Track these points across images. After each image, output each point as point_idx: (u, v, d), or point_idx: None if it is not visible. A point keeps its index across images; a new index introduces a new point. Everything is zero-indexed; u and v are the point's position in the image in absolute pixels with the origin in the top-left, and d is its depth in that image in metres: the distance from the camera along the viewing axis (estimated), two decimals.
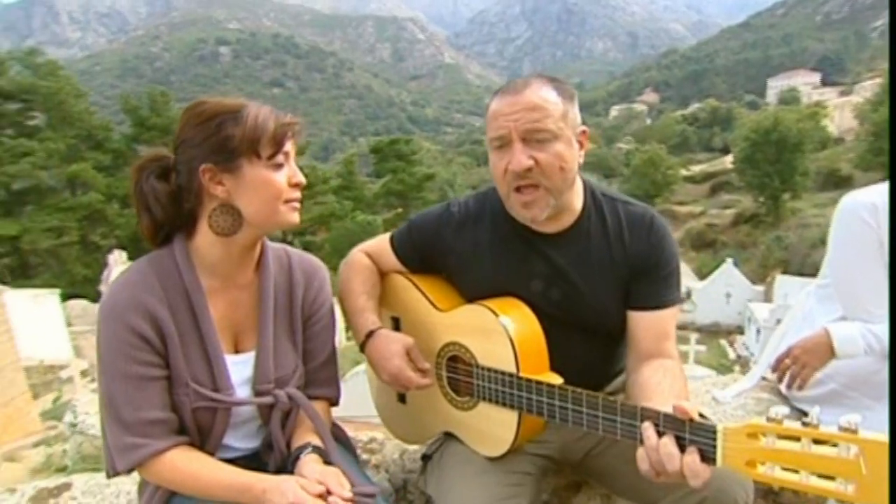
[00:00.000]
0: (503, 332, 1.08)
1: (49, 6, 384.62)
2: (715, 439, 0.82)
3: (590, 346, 1.22)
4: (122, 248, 22.26)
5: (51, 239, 26.37)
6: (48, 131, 27.41)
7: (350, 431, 1.60)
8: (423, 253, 1.30)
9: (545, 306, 1.17)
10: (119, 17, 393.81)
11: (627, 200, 1.23)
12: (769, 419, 0.78)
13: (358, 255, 1.38)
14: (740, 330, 24.45)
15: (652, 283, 1.17)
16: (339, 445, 1.24)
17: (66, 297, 17.28)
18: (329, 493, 0.96)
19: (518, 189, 1.10)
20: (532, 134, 1.06)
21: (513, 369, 1.08)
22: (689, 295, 25.89)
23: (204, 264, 1.06)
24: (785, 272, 24.68)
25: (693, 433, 0.85)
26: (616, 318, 1.19)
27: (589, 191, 1.22)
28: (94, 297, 17.12)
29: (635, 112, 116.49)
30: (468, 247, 1.24)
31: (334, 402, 1.23)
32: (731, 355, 21.87)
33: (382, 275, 1.37)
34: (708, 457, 0.83)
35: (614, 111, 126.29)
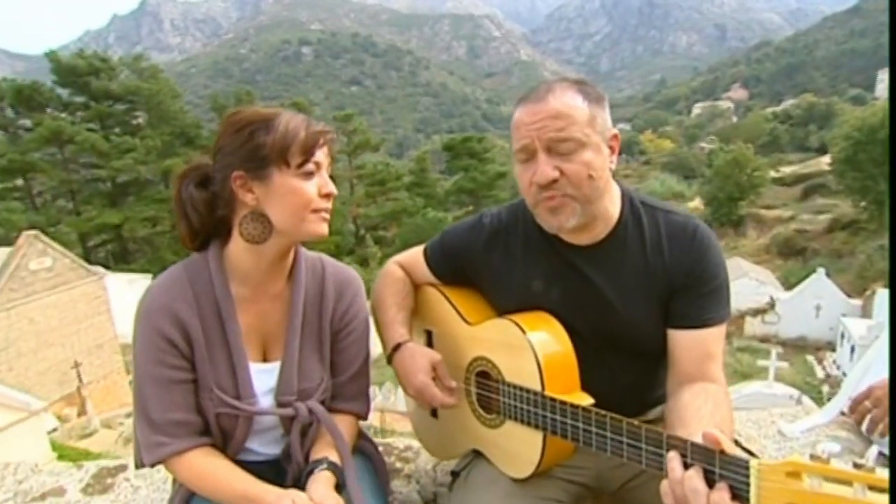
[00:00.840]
0: (529, 349, 1.04)
1: (155, 15, 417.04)
2: (748, 476, 0.73)
3: (626, 368, 1.14)
4: None
5: (147, 228, 28.64)
6: (148, 129, 29.74)
7: (388, 438, 1.60)
8: (455, 265, 1.28)
9: (577, 323, 1.11)
10: (213, 23, 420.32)
11: (669, 209, 1.15)
12: (812, 457, 0.69)
13: (392, 266, 1.37)
14: (830, 346, 22.39)
15: (694, 300, 1.08)
16: (365, 460, 1.25)
17: None
18: None
19: (549, 198, 1.05)
20: (556, 143, 1.01)
21: (538, 387, 1.03)
22: (772, 305, 24.16)
23: (236, 272, 1.08)
24: (887, 286, 22.38)
25: (724, 467, 0.77)
26: (655, 338, 1.11)
27: (627, 199, 1.14)
28: None
29: (720, 109, 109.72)
30: (499, 259, 1.20)
31: (362, 416, 1.23)
32: (819, 374, 20.15)
33: (416, 287, 1.35)
34: (740, 495, 0.75)
35: (697, 109, 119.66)
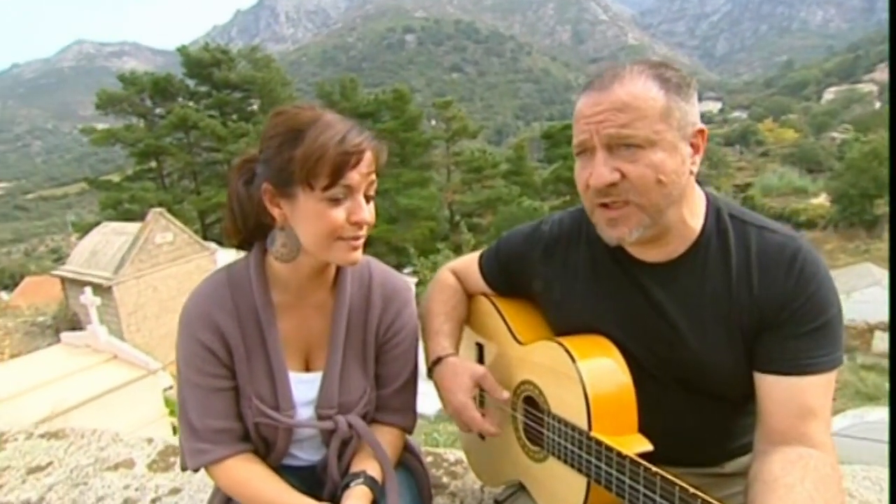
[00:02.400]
0: (577, 379, 0.90)
1: (272, 9, 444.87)
2: None
3: (700, 411, 0.96)
4: None
5: None
6: (260, 115, 31.84)
7: (439, 448, 1.52)
8: (510, 276, 1.15)
9: (641, 354, 0.95)
10: (323, 13, 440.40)
11: (765, 225, 0.93)
12: None
13: (444, 273, 1.27)
14: None
15: (787, 340, 0.87)
16: (408, 475, 1.17)
17: None
18: None
19: (604, 204, 0.89)
20: (618, 140, 0.85)
21: (584, 425, 0.88)
22: None
23: (277, 279, 1.03)
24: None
25: None
26: (738, 380, 0.92)
27: (713, 210, 0.95)
28: None
29: (860, 94, 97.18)
30: (557, 272, 1.06)
31: (407, 429, 1.16)
32: None
33: (470, 297, 1.24)
34: None
35: (829, 94, 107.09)
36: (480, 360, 1.23)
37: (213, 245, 16.81)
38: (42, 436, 1.93)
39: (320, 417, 1.06)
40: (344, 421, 1.05)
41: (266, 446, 1.07)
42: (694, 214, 0.93)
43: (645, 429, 0.90)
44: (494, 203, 35.57)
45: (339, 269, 1.08)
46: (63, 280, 15.50)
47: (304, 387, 1.06)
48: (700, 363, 0.93)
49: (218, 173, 31.38)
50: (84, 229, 22.76)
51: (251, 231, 1.02)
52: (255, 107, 33.10)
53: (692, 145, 0.89)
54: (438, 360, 1.11)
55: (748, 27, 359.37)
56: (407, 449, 1.21)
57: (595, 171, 0.87)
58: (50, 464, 1.74)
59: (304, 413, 1.06)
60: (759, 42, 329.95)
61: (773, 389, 0.87)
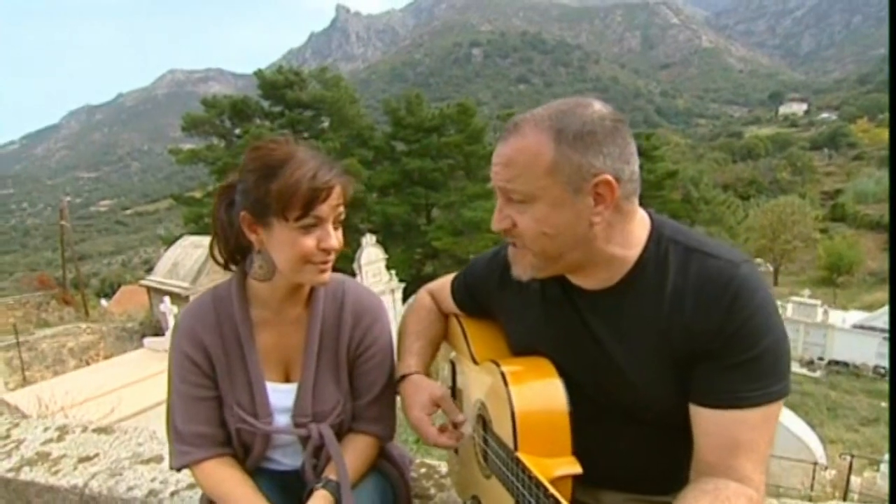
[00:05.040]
0: (507, 400, 0.91)
1: (343, 30, 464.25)
2: None
3: (643, 439, 0.94)
4: (375, 232, 25.80)
5: None
6: (329, 133, 33.17)
7: (437, 461, 1.54)
8: (475, 298, 1.19)
9: (583, 380, 0.95)
10: (392, 32, 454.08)
11: (710, 252, 0.88)
12: None
13: (422, 294, 1.33)
14: None
15: (719, 371, 0.84)
16: (383, 482, 1.22)
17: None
18: None
19: (512, 243, 0.95)
20: (505, 193, 0.90)
21: (511, 445, 0.89)
22: None
23: (256, 297, 1.12)
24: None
25: None
26: (674, 409, 0.89)
27: (655, 236, 0.91)
28: (351, 273, 20.20)
29: None
30: (512, 298, 1.08)
31: (382, 438, 1.21)
32: None
33: (446, 317, 1.29)
34: None
35: None
36: (454, 377, 1.26)
37: None
38: (94, 430, 2.14)
39: (297, 425, 1.13)
40: (315, 429, 1.12)
41: (245, 451, 1.16)
42: (628, 246, 0.91)
43: (589, 454, 0.88)
44: None
45: (312, 288, 1.15)
46: (149, 289, 16.76)
47: (281, 396, 1.14)
48: (636, 392, 0.91)
49: None
50: (169, 242, 24.54)
51: (232, 252, 1.11)
52: (325, 124, 34.53)
53: (598, 195, 0.85)
54: (402, 378, 1.16)
55: (838, 20, 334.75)
56: (386, 457, 1.26)
57: (494, 217, 0.93)
58: (96, 455, 1.92)
59: (282, 420, 1.14)
60: (851, 35, 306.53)
61: (703, 422, 0.85)
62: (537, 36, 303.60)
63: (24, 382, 12.53)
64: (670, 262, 0.89)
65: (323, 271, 1.05)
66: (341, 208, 1.04)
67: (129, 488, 1.67)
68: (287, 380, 1.16)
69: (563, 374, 0.95)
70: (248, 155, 1.04)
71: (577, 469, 0.86)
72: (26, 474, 1.85)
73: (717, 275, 0.85)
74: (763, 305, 0.83)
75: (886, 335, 20.51)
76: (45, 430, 2.19)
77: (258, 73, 33.44)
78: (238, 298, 1.11)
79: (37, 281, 23.92)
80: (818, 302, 24.53)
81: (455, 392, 1.26)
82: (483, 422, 1.05)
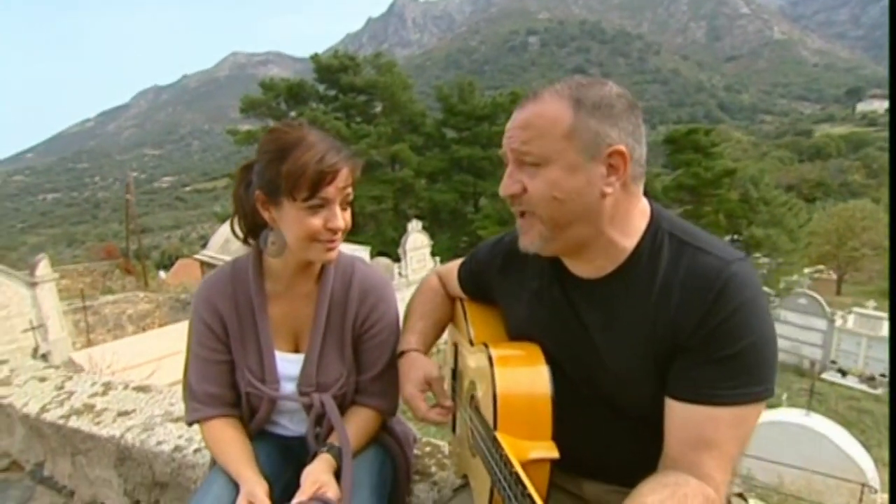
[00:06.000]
0: (490, 380, 0.93)
1: (400, 16, 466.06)
2: None
3: (626, 430, 0.95)
4: (422, 218, 26.02)
5: (373, 205, 32.34)
6: (381, 118, 33.54)
7: (439, 441, 1.58)
8: (478, 283, 1.21)
9: (570, 368, 0.96)
10: (448, 18, 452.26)
11: (703, 248, 0.87)
12: None
13: (431, 276, 1.36)
14: None
15: (694, 366, 0.83)
16: (383, 454, 1.27)
17: (375, 254, 21.13)
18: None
19: (520, 214, 0.94)
20: (520, 156, 0.89)
21: (491, 424, 0.91)
22: None
23: (270, 271, 1.19)
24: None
25: None
26: (653, 402, 0.89)
27: (653, 228, 0.91)
28: (396, 258, 20.47)
29: None
30: (511, 283, 1.10)
31: (384, 412, 1.26)
32: None
33: (452, 299, 1.32)
34: None
35: None
36: (456, 359, 1.29)
37: None
38: (134, 388, 2.29)
39: (301, 394, 1.20)
40: (318, 398, 1.18)
41: (252, 413, 1.23)
42: (627, 234, 0.91)
43: (573, 443, 0.89)
44: None
45: (323, 265, 1.21)
46: (202, 263, 17.53)
47: (289, 365, 1.21)
48: (618, 383, 0.92)
49: None
50: (224, 219, 25.53)
51: (251, 228, 1.18)
52: (377, 109, 34.92)
53: (611, 166, 0.86)
54: (401, 354, 1.20)
55: None
56: (388, 432, 1.32)
57: (503, 182, 0.93)
58: (133, 410, 2.06)
59: (289, 388, 1.21)
60: None
61: (673, 415, 0.84)
62: (596, 25, 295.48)
63: (88, 344, 13.43)
64: (663, 254, 0.89)
65: (330, 249, 1.10)
66: (349, 190, 1.08)
67: (159, 443, 1.80)
68: (296, 350, 1.22)
69: (553, 361, 0.96)
70: (264, 138, 1.09)
71: (553, 454, 0.86)
72: (73, 422, 2.02)
73: (705, 270, 0.84)
74: (748, 304, 0.81)
75: None
76: (93, 384, 2.37)
77: (314, 58, 34.07)
78: (253, 272, 1.18)
79: (104, 251, 25.46)
80: (884, 314, 23.02)
81: (456, 373, 1.29)
82: (474, 402, 1.08)
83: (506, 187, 0.91)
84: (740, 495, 1.03)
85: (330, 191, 1.05)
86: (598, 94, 0.86)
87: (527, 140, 0.87)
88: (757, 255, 28.95)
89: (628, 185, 0.88)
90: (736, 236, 29.69)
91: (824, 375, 21.54)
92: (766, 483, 8.85)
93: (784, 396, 13.78)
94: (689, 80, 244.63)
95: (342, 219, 1.08)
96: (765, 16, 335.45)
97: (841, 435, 9.84)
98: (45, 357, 12.32)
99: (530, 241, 0.93)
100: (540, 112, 0.87)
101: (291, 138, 1.05)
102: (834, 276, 37.05)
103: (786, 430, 9.64)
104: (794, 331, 22.82)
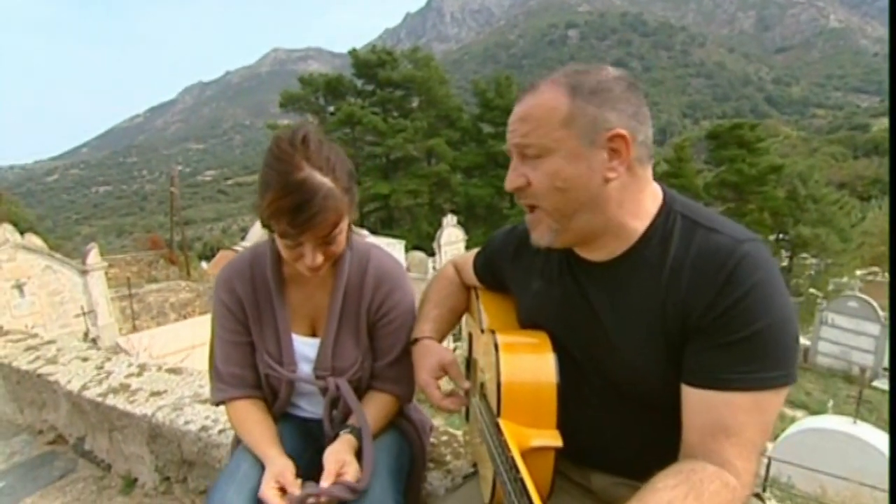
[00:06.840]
0: (495, 367, 0.92)
1: (438, 10, 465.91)
2: None
3: (638, 419, 0.92)
4: (457, 212, 26.03)
5: (409, 199, 32.58)
6: (418, 112, 33.67)
7: (456, 431, 1.58)
8: (493, 272, 1.20)
9: (579, 355, 0.95)
10: (487, 12, 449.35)
11: (715, 227, 0.84)
12: None
13: (447, 266, 1.37)
14: None
15: (708, 350, 0.80)
16: (399, 440, 1.28)
17: (410, 248, 21.27)
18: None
19: (529, 209, 0.93)
20: (521, 149, 0.89)
21: (495, 411, 0.90)
22: None
23: None
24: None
25: None
26: (668, 389, 0.85)
27: (665, 210, 0.89)
28: (431, 252, 20.55)
29: None
30: (523, 270, 1.09)
31: (401, 398, 1.28)
32: None
33: (468, 289, 1.32)
34: None
35: None
36: (470, 348, 1.29)
37: (364, 232, 18.25)
38: (168, 370, 2.38)
39: (318, 377, 1.22)
40: (333, 382, 1.20)
41: (273, 395, 1.26)
42: (638, 216, 0.89)
43: (581, 433, 0.88)
44: None
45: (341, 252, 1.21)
46: None
47: (306, 348, 1.23)
48: (627, 368, 0.89)
49: (377, 166, 33.89)
50: None
51: None
52: (414, 104, 35.07)
53: (612, 150, 0.84)
54: (415, 341, 1.20)
55: None
56: (405, 417, 1.33)
57: (507, 177, 0.92)
58: (165, 391, 2.14)
59: (306, 370, 1.23)
60: None
61: (690, 402, 0.82)
62: (638, 17, 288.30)
63: (133, 330, 14.01)
64: (675, 235, 0.86)
65: (313, 271, 1.09)
66: (332, 234, 1.05)
67: (187, 422, 1.86)
68: (313, 334, 1.24)
69: (562, 349, 0.94)
70: (270, 144, 1.05)
71: (557, 442, 0.85)
72: (110, 400, 2.11)
73: (716, 250, 0.81)
74: (762, 285, 0.78)
75: None
76: (129, 366, 2.47)
77: (352, 53, 34.45)
78: (271, 256, 1.20)
79: (150, 241, 26.46)
80: None
81: (469, 362, 1.29)
82: (482, 389, 1.08)
83: (510, 182, 0.91)
84: (757, 495, 0.98)
85: (302, 238, 1.03)
86: (594, 78, 0.85)
87: (526, 132, 0.87)
88: (804, 255, 27.79)
89: (634, 168, 0.86)
90: (782, 235, 28.52)
91: (875, 383, 20.52)
92: (807, 493, 8.52)
93: (830, 403, 13.20)
94: (734, 73, 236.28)
95: (316, 259, 1.06)
96: (819, 3, 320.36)
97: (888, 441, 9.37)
98: (94, 342, 12.93)
99: (540, 235, 0.92)
100: (537, 103, 0.86)
101: (280, 168, 1.00)
102: (888, 279, 35.21)
103: (831, 438, 9.23)
104: (844, 335, 21.80)
